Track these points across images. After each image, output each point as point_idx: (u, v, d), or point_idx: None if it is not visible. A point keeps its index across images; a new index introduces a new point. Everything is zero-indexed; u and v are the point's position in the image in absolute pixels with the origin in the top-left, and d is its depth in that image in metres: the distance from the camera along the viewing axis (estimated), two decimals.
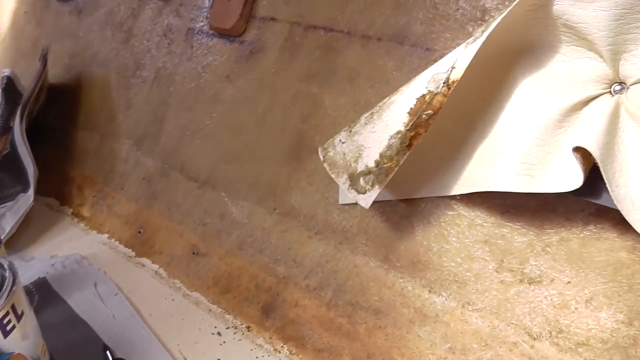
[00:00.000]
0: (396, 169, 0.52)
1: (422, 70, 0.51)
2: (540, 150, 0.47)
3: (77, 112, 1.05)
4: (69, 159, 1.03)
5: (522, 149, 0.48)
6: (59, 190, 1.01)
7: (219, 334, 0.66)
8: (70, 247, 0.85)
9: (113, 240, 0.87)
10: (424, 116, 0.49)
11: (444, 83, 0.48)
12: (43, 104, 1.06)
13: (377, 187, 0.53)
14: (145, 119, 0.90)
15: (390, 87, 0.61)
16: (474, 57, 0.47)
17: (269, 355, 0.62)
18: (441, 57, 0.50)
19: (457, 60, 0.48)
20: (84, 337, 0.65)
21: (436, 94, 0.49)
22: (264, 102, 0.74)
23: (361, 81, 0.64)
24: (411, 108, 0.50)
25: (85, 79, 1.04)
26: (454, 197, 0.56)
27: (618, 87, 0.45)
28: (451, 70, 0.48)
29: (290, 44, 0.72)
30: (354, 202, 0.62)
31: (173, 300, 0.72)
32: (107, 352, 0.58)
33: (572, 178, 0.45)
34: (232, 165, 0.76)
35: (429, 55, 0.59)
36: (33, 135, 0.96)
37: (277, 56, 0.73)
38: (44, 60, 0.98)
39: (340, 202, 0.64)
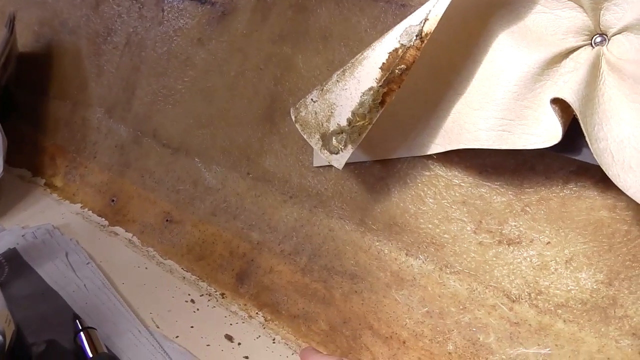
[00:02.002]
0: (369, 127, 0.50)
1: None
2: (518, 105, 0.46)
3: (48, 81, 1.02)
4: (41, 129, 1.00)
5: (499, 104, 0.47)
6: (31, 161, 0.98)
7: (192, 301, 0.64)
8: (43, 217, 0.82)
9: (86, 209, 0.85)
10: (396, 71, 0.47)
11: (416, 36, 0.46)
12: (12, 73, 1.03)
13: (350, 146, 0.51)
14: (117, 86, 0.88)
15: (364, 45, 0.58)
16: (447, 8, 0.45)
17: (243, 322, 0.61)
18: None
19: (431, 12, 0.45)
20: (55, 308, 0.63)
21: (409, 47, 0.47)
22: (236, 65, 0.71)
23: (334, 40, 0.62)
24: (383, 63, 0.48)
25: (56, 47, 1.01)
26: (430, 157, 0.54)
27: (599, 39, 0.43)
28: (424, 22, 0.46)
29: (262, 5, 0.70)
30: (328, 163, 0.60)
31: (146, 268, 0.70)
32: (77, 321, 0.56)
33: (551, 133, 0.44)
34: (204, 130, 0.74)
35: (404, 11, 0.57)
36: (2, 105, 0.93)
37: (249, 17, 0.71)
38: (11, 26, 0.94)
39: (314, 165, 0.62)
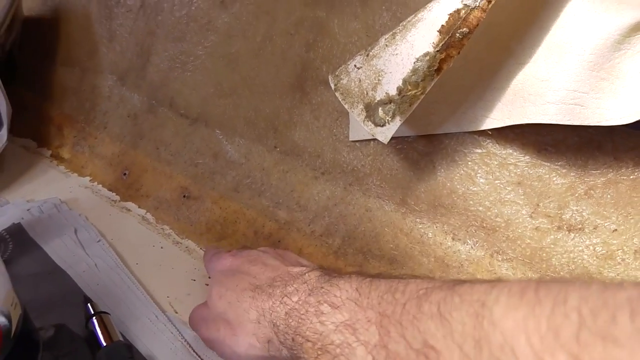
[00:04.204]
0: (422, 97, 0.45)
1: None
2: (593, 77, 0.41)
3: (55, 46, 0.97)
4: (47, 98, 0.95)
5: (572, 74, 0.42)
6: (36, 130, 0.94)
7: None
8: (49, 191, 0.78)
9: (95, 183, 0.80)
10: (457, 35, 0.42)
11: None
12: (17, 38, 0.98)
13: (398, 118, 0.46)
14: (130, 51, 0.82)
15: (409, 9, 0.54)
16: None
17: None
18: None
19: None
20: (63, 289, 0.58)
21: (473, 8, 0.41)
22: (262, 29, 0.66)
23: (375, 3, 0.57)
24: (442, 26, 0.43)
25: (64, 10, 0.96)
26: (483, 132, 0.49)
27: None
28: None
29: None
30: (368, 137, 0.55)
31: (162, 247, 0.65)
32: (89, 305, 0.52)
33: (631, 108, 0.39)
34: (227, 99, 0.69)
35: None
36: (7, 71, 0.88)
37: None
38: None
39: (350, 139, 0.57)
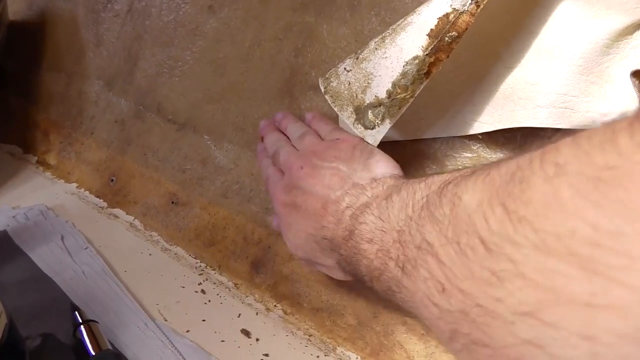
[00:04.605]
0: (411, 100, 0.44)
1: None
2: (583, 80, 0.41)
3: (41, 51, 0.95)
4: (33, 103, 0.94)
5: (561, 78, 0.42)
6: (22, 136, 0.92)
7: (202, 292, 0.58)
8: (35, 197, 0.77)
9: (82, 189, 0.79)
10: (446, 39, 0.42)
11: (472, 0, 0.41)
12: (2, 43, 0.96)
13: (388, 121, 0.46)
14: (118, 56, 0.82)
15: (398, 14, 0.53)
16: None
17: (260, 316, 0.56)
18: None
19: None
20: (50, 297, 0.57)
21: (462, 12, 0.41)
22: (251, 35, 0.65)
23: (363, 9, 0.56)
24: (431, 29, 0.42)
25: (50, 15, 0.95)
26: (473, 137, 0.49)
27: None
28: None
29: None
30: None
31: (150, 254, 0.65)
32: (76, 313, 0.51)
33: (618, 111, 0.39)
34: (215, 105, 0.68)
35: None
36: None
37: None
38: None
39: None
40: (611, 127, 0.21)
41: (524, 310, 0.23)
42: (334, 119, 0.54)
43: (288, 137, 0.55)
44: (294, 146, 0.52)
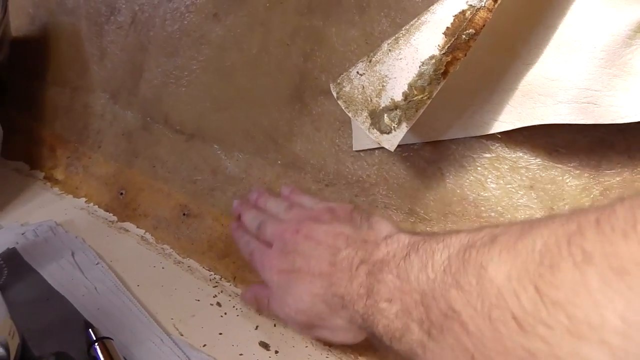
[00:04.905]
0: (428, 102, 0.43)
1: None
2: (605, 74, 0.40)
3: (45, 66, 0.95)
4: (38, 118, 0.93)
5: (582, 72, 0.41)
6: (28, 152, 0.92)
7: (218, 304, 0.57)
8: (44, 213, 0.76)
9: (91, 204, 0.78)
10: (463, 36, 0.41)
11: None
12: (6, 59, 0.96)
13: (404, 124, 0.45)
14: (122, 68, 0.81)
15: (408, 15, 0.52)
16: None
17: (277, 327, 0.54)
18: None
19: None
20: (62, 314, 0.56)
21: (479, 9, 0.40)
22: (258, 41, 0.64)
23: (373, 10, 0.55)
24: (447, 28, 0.41)
25: (53, 30, 0.94)
26: (491, 136, 0.48)
27: None
28: None
29: None
30: (373, 146, 0.54)
31: (163, 268, 0.63)
32: (90, 331, 0.50)
33: None
34: (224, 113, 0.67)
35: None
36: None
37: None
38: (4, 7, 0.87)
39: (354, 149, 0.56)
40: (631, 211, 0.23)
41: None
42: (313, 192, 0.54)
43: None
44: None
